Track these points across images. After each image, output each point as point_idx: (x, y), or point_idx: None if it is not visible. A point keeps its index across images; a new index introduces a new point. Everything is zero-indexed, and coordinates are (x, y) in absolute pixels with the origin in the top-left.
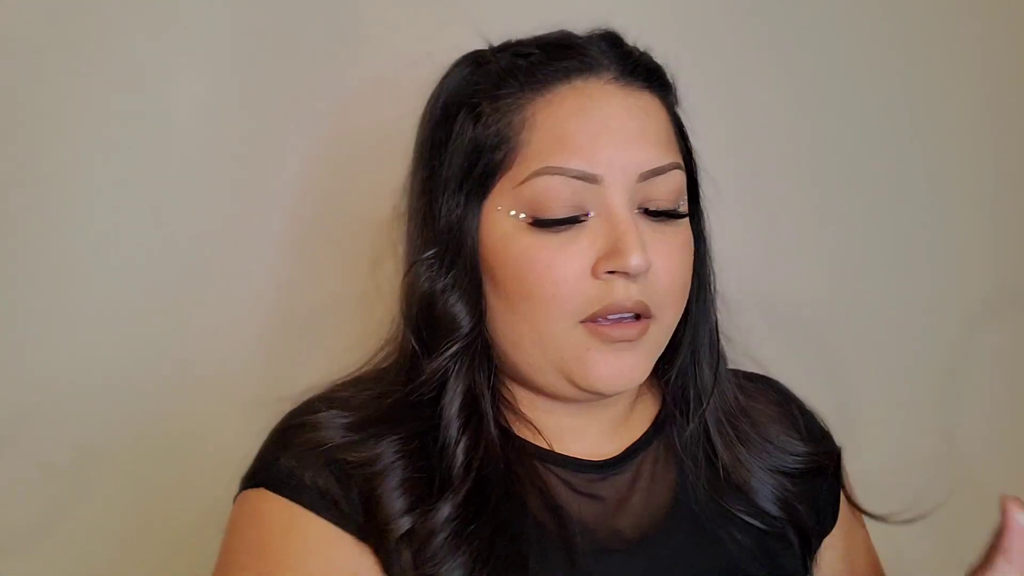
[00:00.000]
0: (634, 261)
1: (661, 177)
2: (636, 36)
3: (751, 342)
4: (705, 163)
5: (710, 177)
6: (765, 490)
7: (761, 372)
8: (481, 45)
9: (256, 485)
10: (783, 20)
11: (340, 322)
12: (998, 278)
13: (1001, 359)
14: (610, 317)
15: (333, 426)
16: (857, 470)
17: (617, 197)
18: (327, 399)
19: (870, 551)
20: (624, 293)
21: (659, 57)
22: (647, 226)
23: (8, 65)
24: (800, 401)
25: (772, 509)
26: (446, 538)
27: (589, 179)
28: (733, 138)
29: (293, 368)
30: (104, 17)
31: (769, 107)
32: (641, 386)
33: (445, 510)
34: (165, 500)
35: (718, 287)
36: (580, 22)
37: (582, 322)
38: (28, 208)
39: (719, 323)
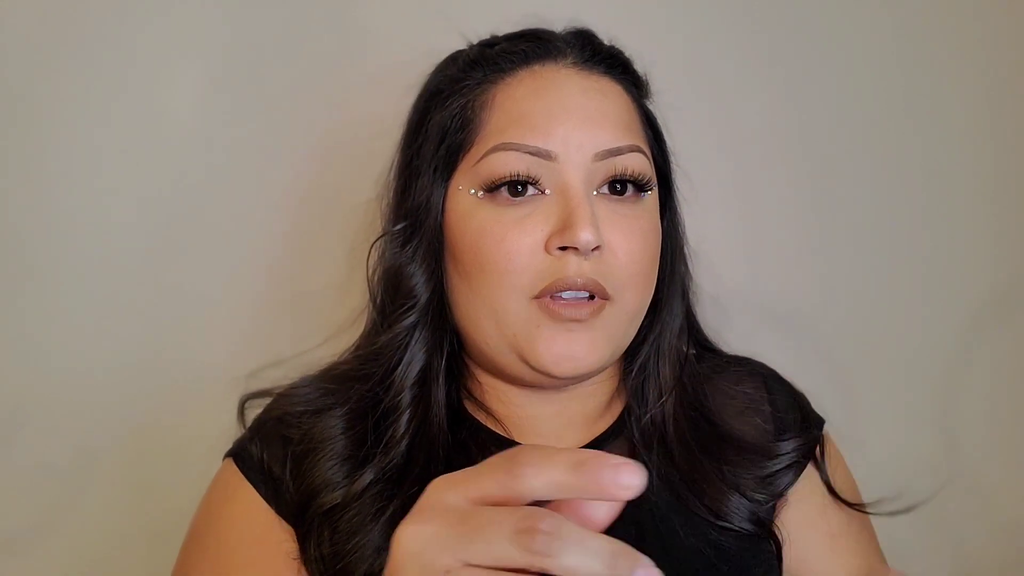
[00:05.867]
0: (583, 236)
1: (620, 158)
2: (630, 41)
3: (751, 342)
4: (702, 163)
5: (702, 177)
6: (732, 501)
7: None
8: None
9: (228, 455)
10: (776, 16)
11: (341, 315)
12: (998, 278)
13: (1001, 358)
14: (564, 296)
15: (293, 401)
16: (857, 469)
17: (572, 175)
18: (310, 377)
19: (860, 544)
20: (576, 269)
21: (652, 58)
22: (607, 207)
23: (8, 65)
24: (782, 389)
25: (742, 523)
26: (364, 506)
27: (543, 155)
28: (730, 138)
29: (301, 367)
30: (102, 16)
31: (766, 105)
32: (616, 382)
33: (368, 475)
34: (165, 499)
35: (713, 290)
36: (567, 21)
37: (535, 298)
38: (26, 207)
39: (696, 329)
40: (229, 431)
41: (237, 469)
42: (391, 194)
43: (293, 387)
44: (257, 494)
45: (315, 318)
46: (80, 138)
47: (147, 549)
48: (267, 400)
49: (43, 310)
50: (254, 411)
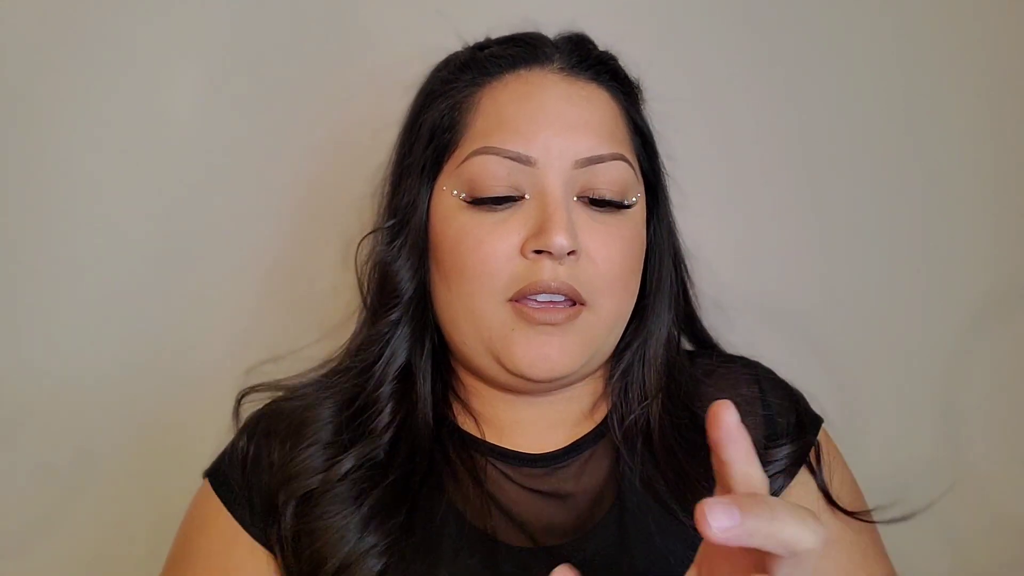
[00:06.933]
0: (557, 241)
1: (601, 166)
2: (628, 43)
3: (751, 342)
4: (701, 163)
5: (701, 177)
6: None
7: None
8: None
9: (206, 474)
10: (775, 16)
11: (340, 315)
12: (998, 278)
13: (1001, 358)
14: (539, 299)
15: (288, 397)
16: (857, 470)
17: (551, 180)
18: (308, 374)
19: (859, 549)
20: (551, 273)
21: (650, 59)
22: (586, 213)
23: (8, 65)
24: (777, 390)
25: None
26: (343, 491)
27: (524, 160)
28: (729, 138)
29: (298, 362)
30: (102, 16)
31: (765, 105)
32: (602, 386)
33: (349, 462)
34: (165, 499)
35: (713, 290)
36: (564, 24)
37: (510, 301)
38: (27, 207)
39: (697, 328)
40: (229, 431)
41: (212, 492)
42: (384, 191)
43: (290, 385)
44: (233, 519)
45: (315, 318)
46: (80, 138)
47: (147, 549)
48: (263, 395)
49: (43, 310)
50: (251, 406)
